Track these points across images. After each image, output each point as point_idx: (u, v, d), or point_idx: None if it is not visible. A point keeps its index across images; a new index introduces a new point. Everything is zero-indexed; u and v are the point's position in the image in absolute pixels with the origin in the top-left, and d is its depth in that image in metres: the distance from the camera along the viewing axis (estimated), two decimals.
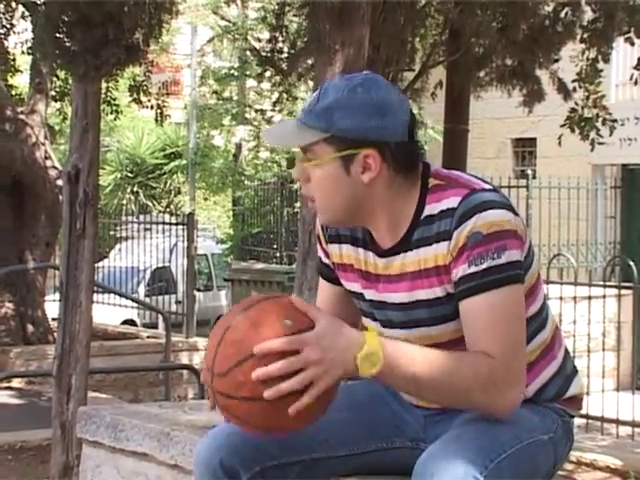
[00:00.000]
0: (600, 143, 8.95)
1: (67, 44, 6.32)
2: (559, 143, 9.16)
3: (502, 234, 2.26)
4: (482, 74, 9.30)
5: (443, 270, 2.31)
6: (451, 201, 2.30)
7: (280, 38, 7.99)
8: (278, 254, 18.04)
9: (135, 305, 14.96)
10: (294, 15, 7.60)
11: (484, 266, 2.25)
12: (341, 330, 2.18)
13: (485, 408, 2.29)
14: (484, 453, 2.22)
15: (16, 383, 11.21)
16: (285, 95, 9.35)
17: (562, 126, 9.01)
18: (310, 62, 7.48)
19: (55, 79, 12.65)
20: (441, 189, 2.33)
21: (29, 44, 12.53)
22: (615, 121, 9.07)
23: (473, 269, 2.26)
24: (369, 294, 2.45)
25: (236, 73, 21.01)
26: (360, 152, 2.28)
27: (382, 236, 2.39)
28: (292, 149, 3.11)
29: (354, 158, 2.28)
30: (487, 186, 2.34)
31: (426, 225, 2.33)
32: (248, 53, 16.76)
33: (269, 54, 8.21)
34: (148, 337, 12.55)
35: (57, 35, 6.38)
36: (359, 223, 2.40)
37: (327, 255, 2.54)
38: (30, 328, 12.15)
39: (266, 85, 15.96)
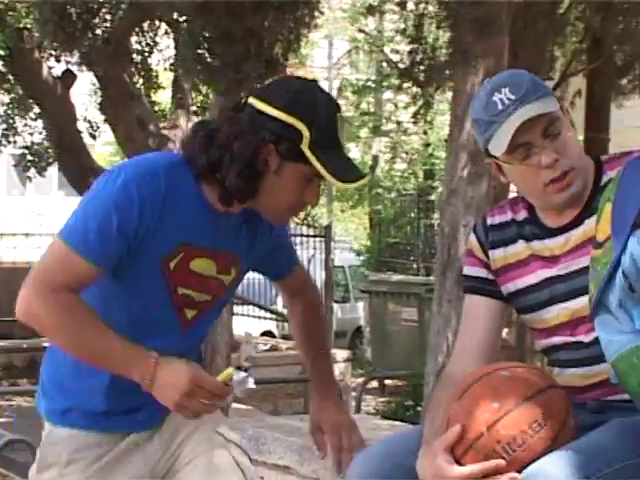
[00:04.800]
0: None
1: (208, 60, 6.42)
2: None
3: None
4: (624, 82, 9.12)
5: None
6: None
7: (420, 50, 7.93)
8: (415, 266, 17.95)
9: (274, 316, 15.07)
10: (436, 27, 7.52)
11: None
12: None
13: None
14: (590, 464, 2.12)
15: None
16: (424, 107, 9.30)
17: None
18: (448, 72, 7.41)
19: (196, 94, 12.87)
20: (615, 160, 2.47)
21: (171, 61, 12.80)
22: None
23: None
24: (555, 272, 2.46)
25: (373, 85, 21.03)
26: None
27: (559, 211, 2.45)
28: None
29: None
30: None
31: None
32: (385, 65, 16.77)
33: (408, 66, 8.16)
34: (287, 349, 12.64)
35: (199, 51, 6.49)
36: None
37: (487, 266, 2.56)
38: None
39: (403, 97, 15.96)
